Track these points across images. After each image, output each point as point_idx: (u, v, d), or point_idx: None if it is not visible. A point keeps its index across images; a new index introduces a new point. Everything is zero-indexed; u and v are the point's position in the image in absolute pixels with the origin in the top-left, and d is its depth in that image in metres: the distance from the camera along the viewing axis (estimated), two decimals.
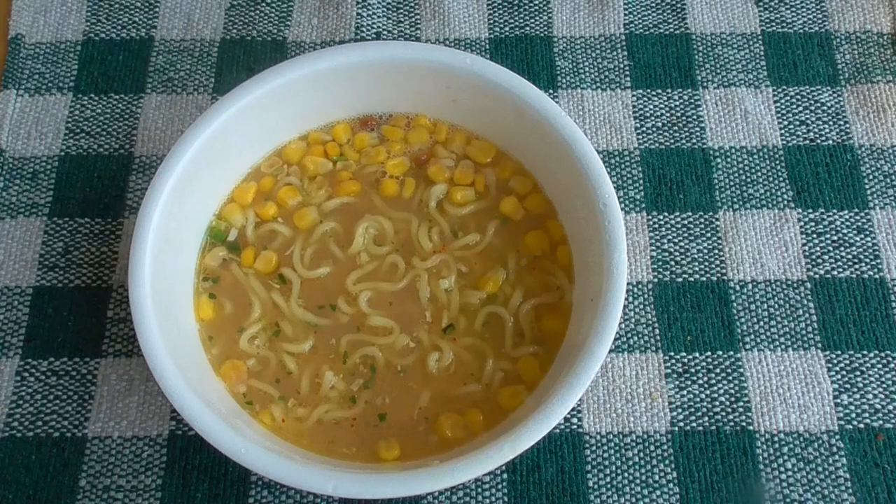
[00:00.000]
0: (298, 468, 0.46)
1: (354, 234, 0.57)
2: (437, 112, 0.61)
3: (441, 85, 0.58)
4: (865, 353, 0.58)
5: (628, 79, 0.68)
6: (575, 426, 0.56)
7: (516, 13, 0.71)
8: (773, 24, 0.70)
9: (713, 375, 0.57)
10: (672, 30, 0.70)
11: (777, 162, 0.64)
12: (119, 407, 0.57)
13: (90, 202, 0.63)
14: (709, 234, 0.62)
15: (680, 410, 0.56)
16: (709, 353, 0.58)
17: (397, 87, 0.59)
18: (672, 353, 0.58)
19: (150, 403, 0.57)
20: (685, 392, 0.57)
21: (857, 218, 0.62)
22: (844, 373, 0.57)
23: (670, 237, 0.62)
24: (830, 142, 0.65)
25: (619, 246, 0.51)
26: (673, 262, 0.61)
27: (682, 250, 0.61)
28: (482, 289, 0.56)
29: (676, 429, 0.56)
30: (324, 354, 0.55)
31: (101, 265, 0.61)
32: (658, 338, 0.59)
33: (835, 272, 0.61)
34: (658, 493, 0.54)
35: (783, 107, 0.66)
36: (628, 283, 0.60)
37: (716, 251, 0.61)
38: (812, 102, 0.67)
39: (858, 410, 0.56)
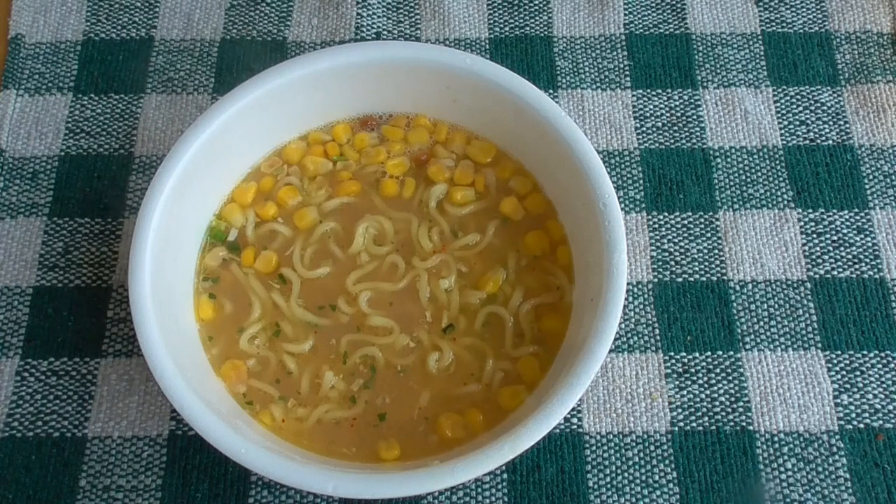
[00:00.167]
0: (298, 468, 0.46)
1: (354, 234, 0.57)
2: (437, 112, 0.61)
3: (441, 85, 0.58)
4: (865, 353, 0.58)
5: (628, 79, 0.68)
6: (575, 426, 0.56)
7: (516, 13, 0.71)
8: (773, 24, 0.70)
9: (713, 375, 0.57)
10: (672, 30, 0.70)
11: (777, 162, 0.64)
12: (119, 407, 0.57)
13: (90, 202, 0.63)
14: (709, 234, 0.62)
15: (680, 410, 0.56)
16: (709, 353, 0.58)
17: (397, 87, 0.59)
18: (672, 353, 0.58)
19: (150, 403, 0.57)
20: (685, 392, 0.57)
21: (857, 218, 0.62)
22: (844, 373, 0.57)
23: (670, 237, 0.62)
24: (830, 142, 0.65)
25: (619, 246, 0.51)
26: (673, 262, 0.61)
27: (682, 250, 0.61)
28: (482, 289, 0.56)
29: (676, 429, 0.56)
30: (324, 354, 0.55)
31: (101, 265, 0.61)
32: (658, 338, 0.59)
33: (835, 272, 0.61)
34: (658, 493, 0.54)
35: (783, 107, 0.66)
36: (628, 283, 0.60)
37: (716, 251, 0.61)
38: (812, 102, 0.67)
39: (858, 410, 0.56)
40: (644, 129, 0.66)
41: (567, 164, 0.54)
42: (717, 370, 0.58)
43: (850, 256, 0.61)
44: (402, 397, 0.53)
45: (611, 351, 0.58)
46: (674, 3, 0.71)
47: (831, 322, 0.59)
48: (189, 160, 0.53)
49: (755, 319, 0.59)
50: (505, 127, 0.59)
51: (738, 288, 0.60)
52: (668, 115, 0.66)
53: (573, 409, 0.56)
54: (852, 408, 0.56)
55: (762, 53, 0.69)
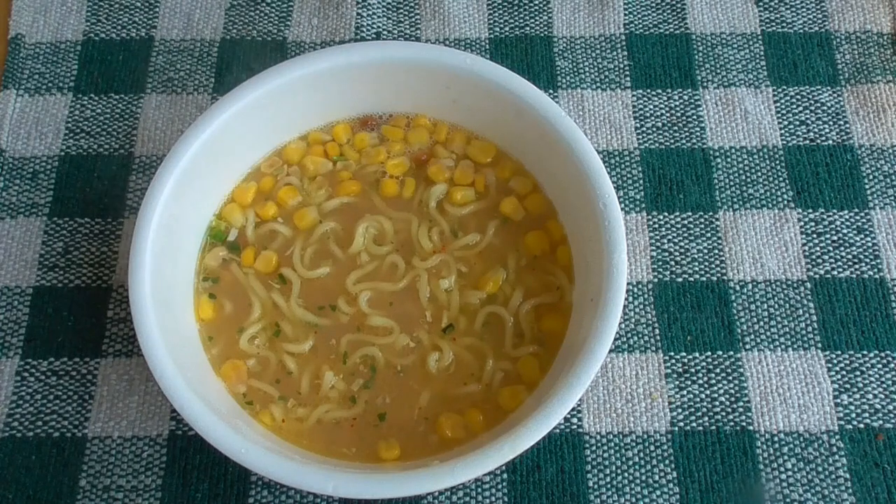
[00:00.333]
0: (298, 468, 0.46)
1: (354, 234, 0.57)
2: (437, 112, 0.61)
3: (441, 85, 0.58)
4: (865, 353, 0.58)
5: (628, 79, 0.68)
6: (575, 426, 0.56)
7: (516, 13, 0.71)
8: (773, 24, 0.70)
9: (713, 375, 0.57)
10: (672, 30, 0.70)
11: (777, 162, 0.64)
12: (119, 407, 0.57)
13: (90, 202, 0.63)
14: (709, 234, 0.62)
15: (680, 410, 0.56)
16: (709, 353, 0.58)
17: (397, 87, 0.59)
18: (672, 353, 0.58)
19: (150, 403, 0.57)
20: (685, 392, 0.57)
21: (857, 218, 0.62)
22: (844, 373, 0.57)
23: (670, 237, 0.62)
24: (830, 142, 0.65)
25: (619, 246, 0.51)
26: (673, 262, 0.61)
27: (682, 250, 0.61)
28: (482, 289, 0.56)
29: (676, 429, 0.56)
30: (324, 354, 0.55)
31: (101, 265, 0.61)
32: (658, 338, 0.59)
33: (835, 272, 0.61)
34: (658, 493, 0.54)
35: (783, 107, 0.66)
36: (628, 283, 0.60)
37: (716, 251, 0.61)
38: (812, 102, 0.67)
39: (858, 410, 0.56)
40: (644, 129, 0.66)
41: (567, 164, 0.54)
42: (717, 370, 0.58)
43: (850, 256, 0.61)
44: (402, 397, 0.53)
45: (611, 351, 0.58)
46: (674, 3, 0.71)
47: (831, 322, 0.59)
48: (189, 160, 0.53)
49: (755, 319, 0.59)
50: (505, 127, 0.59)
51: (738, 288, 0.60)
52: (668, 115, 0.66)
53: (573, 409, 0.56)
54: (852, 408, 0.56)
55: (762, 53, 0.69)
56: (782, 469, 0.55)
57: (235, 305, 0.56)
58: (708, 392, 0.57)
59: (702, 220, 0.62)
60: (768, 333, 0.59)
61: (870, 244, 0.62)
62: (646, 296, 0.60)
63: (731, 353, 0.58)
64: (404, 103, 0.61)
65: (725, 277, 0.60)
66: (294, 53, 0.69)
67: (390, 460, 0.51)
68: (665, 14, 0.70)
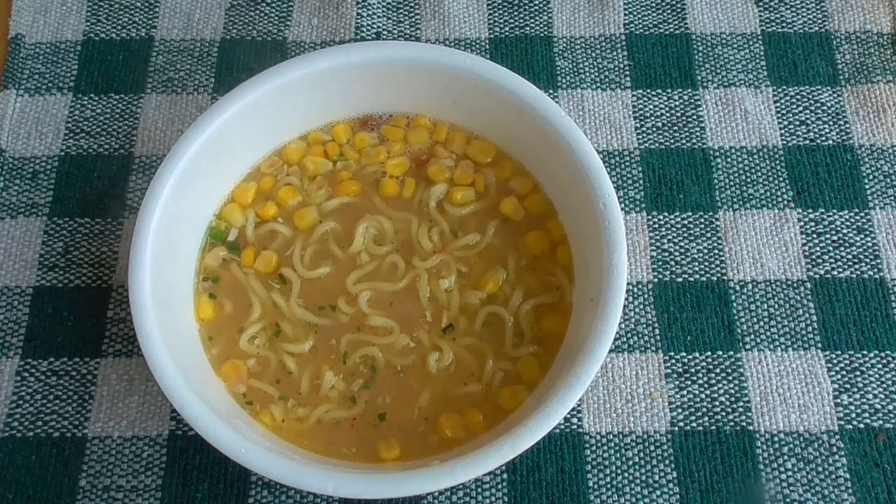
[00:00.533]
0: (298, 468, 0.46)
1: (354, 234, 0.57)
2: (437, 112, 0.61)
3: (441, 85, 0.58)
4: (865, 353, 0.58)
5: (628, 79, 0.68)
6: (575, 426, 0.56)
7: (516, 13, 0.71)
8: (773, 24, 0.70)
9: (713, 375, 0.57)
10: (672, 30, 0.70)
11: (777, 162, 0.64)
12: (119, 407, 0.57)
13: (90, 202, 0.63)
14: (709, 234, 0.62)
15: (680, 410, 0.56)
16: (709, 353, 0.58)
17: (397, 87, 0.59)
18: (672, 353, 0.58)
19: (150, 403, 0.57)
20: (685, 392, 0.57)
21: (857, 218, 0.62)
22: (844, 373, 0.57)
23: (670, 237, 0.62)
24: (830, 142, 0.65)
25: (619, 246, 0.51)
26: (673, 262, 0.61)
27: (682, 250, 0.61)
28: (482, 289, 0.56)
29: (676, 429, 0.56)
30: (324, 354, 0.55)
31: (101, 265, 0.61)
32: (658, 338, 0.59)
33: (835, 272, 0.61)
34: (658, 493, 0.54)
35: (783, 107, 0.66)
36: (628, 283, 0.60)
37: (716, 251, 0.61)
38: (812, 102, 0.67)
39: (858, 410, 0.56)
40: (644, 129, 0.66)
41: (567, 164, 0.54)
42: (717, 370, 0.58)
43: (850, 256, 0.61)
44: (402, 397, 0.53)
45: (611, 351, 0.58)
46: (674, 3, 0.71)
47: (831, 322, 0.59)
48: (189, 160, 0.53)
49: (755, 319, 0.59)
50: (505, 127, 0.59)
51: (738, 288, 0.60)
52: (668, 115, 0.66)
53: (573, 409, 0.56)
54: (852, 408, 0.56)
55: (762, 53, 0.69)
56: (782, 469, 0.55)
57: (235, 305, 0.56)
58: (708, 392, 0.57)
59: (702, 220, 0.62)
60: (768, 333, 0.59)
61: (870, 244, 0.62)
62: (646, 296, 0.60)
63: (731, 353, 0.58)
64: (404, 103, 0.61)
65: (725, 277, 0.60)
66: (294, 53, 0.69)
67: (390, 460, 0.51)
68: (665, 14, 0.70)
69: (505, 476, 0.55)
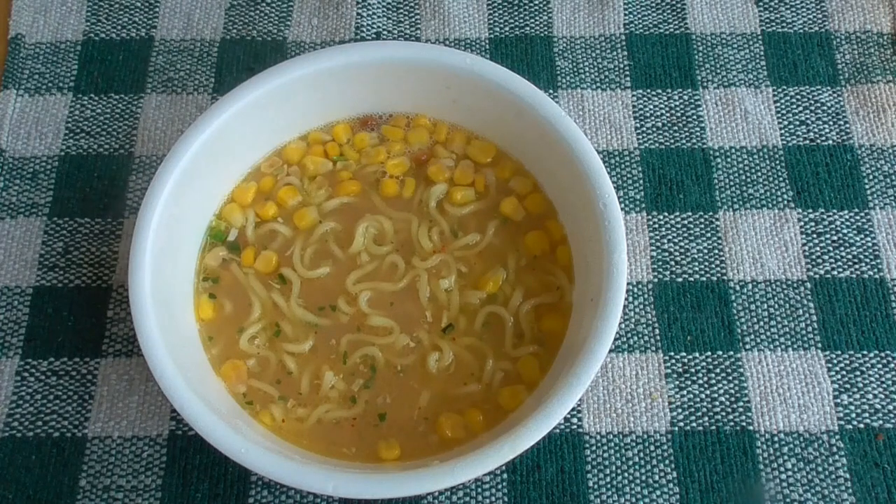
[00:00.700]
0: (298, 468, 0.46)
1: (354, 234, 0.57)
2: (437, 112, 0.61)
3: (441, 85, 0.58)
4: (865, 353, 0.58)
5: (628, 79, 0.68)
6: (575, 426, 0.56)
7: (516, 13, 0.71)
8: (773, 24, 0.70)
9: (713, 375, 0.57)
10: (672, 30, 0.70)
11: (777, 162, 0.64)
12: (119, 407, 0.57)
13: (90, 202, 0.63)
14: (709, 234, 0.62)
15: (680, 410, 0.56)
16: (709, 353, 0.58)
17: (397, 87, 0.59)
18: (672, 353, 0.58)
19: (150, 403, 0.57)
20: (685, 392, 0.57)
21: (857, 218, 0.62)
22: (844, 373, 0.57)
23: (670, 237, 0.62)
24: (830, 142, 0.65)
25: (619, 246, 0.51)
26: (673, 262, 0.61)
27: (682, 250, 0.61)
28: (482, 289, 0.56)
29: (676, 429, 0.56)
30: (324, 354, 0.55)
31: (101, 265, 0.61)
32: (658, 338, 0.59)
33: (835, 272, 0.61)
34: (658, 493, 0.54)
35: (783, 107, 0.66)
36: (628, 283, 0.60)
37: (716, 251, 0.61)
38: (812, 102, 0.67)
39: (858, 410, 0.56)
40: (644, 129, 0.66)
41: (567, 164, 0.54)
42: (717, 370, 0.58)
43: (850, 256, 0.61)
44: (402, 397, 0.53)
45: (611, 351, 0.58)
46: (674, 3, 0.71)
47: (831, 322, 0.59)
48: (189, 160, 0.53)
49: (755, 319, 0.59)
50: (505, 127, 0.59)
51: (738, 288, 0.60)
52: (668, 115, 0.66)
53: (573, 409, 0.56)
54: (852, 408, 0.56)
55: (762, 53, 0.69)
56: (782, 469, 0.55)
57: (235, 305, 0.56)
58: (708, 392, 0.57)
59: (702, 220, 0.62)
60: (768, 333, 0.59)
61: (870, 244, 0.62)
62: (646, 296, 0.60)
63: (731, 353, 0.58)
64: (404, 103, 0.61)
65: (725, 277, 0.60)
66: (294, 53, 0.69)
67: (390, 460, 0.51)
68: (665, 14, 0.70)
69: (505, 476, 0.55)
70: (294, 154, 0.60)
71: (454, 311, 0.55)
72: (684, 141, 0.65)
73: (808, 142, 0.65)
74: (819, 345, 0.58)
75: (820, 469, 0.55)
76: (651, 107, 0.67)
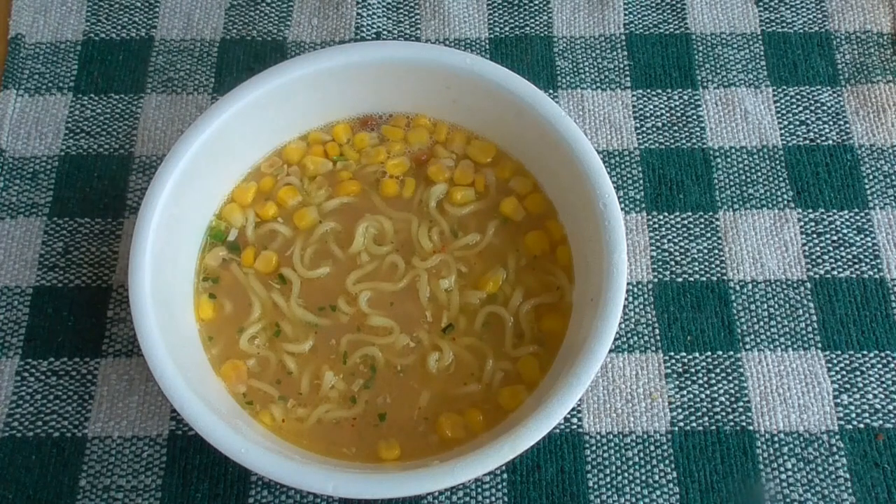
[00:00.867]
0: (298, 468, 0.46)
1: (354, 234, 0.57)
2: (437, 112, 0.61)
3: (441, 85, 0.58)
4: (865, 353, 0.58)
5: (628, 79, 0.68)
6: (575, 426, 0.56)
7: (516, 13, 0.71)
8: (773, 24, 0.70)
9: (713, 375, 0.57)
10: (672, 30, 0.70)
11: (777, 162, 0.64)
12: (119, 407, 0.57)
13: (90, 202, 0.63)
14: (709, 234, 0.62)
15: (680, 410, 0.56)
16: (709, 353, 0.58)
17: (397, 87, 0.59)
18: (672, 353, 0.58)
19: (150, 403, 0.57)
20: (685, 392, 0.57)
21: (857, 218, 0.62)
22: (844, 373, 0.57)
23: (670, 237, 0.62)
24: (830, 142, 0.65)
25: (619, 246, 0.51)
26: (673, 262, 0.61)
27: (682, 250, 0.61)
28: (482, 289, 0.56)
29: (676, 429, 0.56)
30: (324, 354, 0.55)
31: (101, 265, 0.61)
32: (658, 338, 0.59)
33: (835, 272, 0.61)
34: (658, 493, 0.54)
35: (783, 107, 0.66)
36: (628, 283, 0.60)
37: (716, 251, 0.61)
38: (812, 102, 0.67)
39: (858, 410, 0.56)
40: (644, 129, 0.66)
41: (567, 164, 0.54)
42: (717, 370, 0.58)
43: (850, 256, 0.61)
44: (402, 397, 0.53)
45: (611, 351, 0.58)
46: (674, 3, 0.71)
47: (831, 322, 0.59)
48: (189, 160, 0.53)
49: (755, 319, 0.59)
50: (505, 127, 0.59)
51: (738, 288, 0.60)
52: (668, 115, 0.66)
53: (573, 409, 0.56)
54: (852, 408, 0.56)
55: (762, 53, 0.69)
56: (782, 469, 0.55)
57: (235, 305, 0.56)
58: (708, 392, 0.57)
59: (702, 220, 0.62)
60: (768, 333, 0.59)
61: (870, 244, 0.62)
62: (646, 296, 0.60)
63: (731, 353, 0.58)
64: (404, 103, 0.61)
65: (725, 277, 0.60)
66: (294, 53, 0.69)
67: (390, 460, 0.51)
68: (665, 14, 0.70)
69: (505, 476, 0.55)
70: (294, 154, 0.60)
71: (454, 311, 0.55)
72: (684, 141, 0.65)
73: (808, 142, 0.65)
74: (819, 345, 0.58)
75: (820, 469, 0.55)
76: (651, 107, 0.67)
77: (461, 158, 0.60)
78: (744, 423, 0.56)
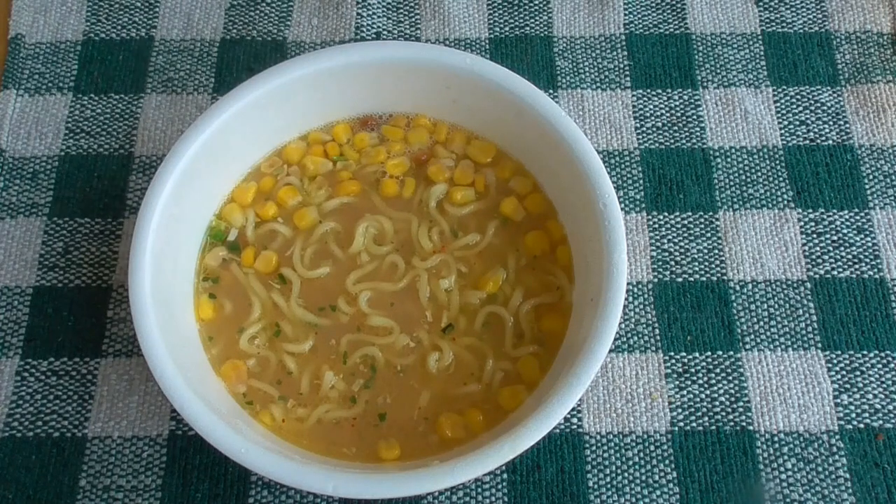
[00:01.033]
0: (298, 468, 0.46)
1: (354, 234, 0.57)
2: (437, 112, 0.61)
3: (441, 85, 0.58)
4: (865, 353, 0.58)
5: (628, 79, 0.68)
6: (575, 426, 0.56)
7: (516, 13, 0.71)
8: (773, 24, 0.70)
9: (713, 375, 0.57)
10: (672, 30, 0.70)
11: (777, 162, 0.64)
12: (119, 407, 0.57)
13: (90, 202, 0.63)
14: (709, 234, 0.62)
15: (680, 410, 0.56)
16: (709, 353, 0.58)
17: (397, 87, 0.59)
18: (672, 353, 0.58)
19: (150, 403, 0.57)
20: (685, 392, 0.57)
21: (857, 218, 0.62)
22: (844, 373, 0.57)
23: (670, 237, 0.62)
24: (830, 142, 0.65)
25: (619, 246, 0.51)
26: (673, 262, 0.61)
27: (682, 250, 0.61)
28: (482, 289, 0.56)
29: (676, 429, 0.56)
30: (324, 354, 0.55)
31: (101, 265, 0.61)
32: (658, 338, 0.59)
33: (835, 272, 0.61)
34: (658, 493, 0.54)
35: (783, 107, 0.66)
36: (628, 283, 0.60)
37: (716, 251, 0.61)
38: (812, 102, 0.67)
39: (858, 410, 0.56)
40: (644, 129, 0.66)
41: (567, 165, 0.54)
42: (717, 370, 0.58)
43: (850, 256, 0.61)
44: (402, 397, 0.53)
45: (611, 351, 0.58)
46: (674, 3, 0.71)
47: (831, 322, 0.59)
48: (189, 160, 0.53)
49: (755, 319, 0.59)
50: (505, 127, 0.59)
51: (738, 288, 0.60)
52: (668, 115, 0.66)
53: (573, 409, 0.56)
54: (852, 408, 0.56)
55: (762, 53, 0.69)
56: (782, 469, 0.55)
57: (235, 305, 0.56)
58: (708, 392, 0.57)
59: (702, 220, 0.62)
60: (768, 333, 0.59)
61: (870, 244, 0.62)
62: (646, 296, 0.60)
63: (731, 353, 0.58)
64: (404, 103, 0.61)
65: (725, 277, 0.60)
66: (294, 53, 0.69)
67: (390, 460, 0.51)
68: (665, 14, 0.70)
69: (505, 476, 0.55)
70: (294, 154, 0.60)
71: (454, 311, 0.55)
72: (684, 141, 0.65)
73: (808, 142, 0.65)
74: (819, 345, 0.58)
75: (820, 469, 0.55)
76: (651, 107, 0.67)
77: (461, 158, 0.60)
78: (744, 423, 0.56)
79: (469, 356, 0.54)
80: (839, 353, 0.58)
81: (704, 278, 0.60)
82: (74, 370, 0.58)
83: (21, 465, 0.55)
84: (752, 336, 0.59)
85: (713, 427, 0.56)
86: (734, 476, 0.55)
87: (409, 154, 0.60)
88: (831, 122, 0.66)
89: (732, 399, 0.57)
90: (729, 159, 0.64)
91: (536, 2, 0.71)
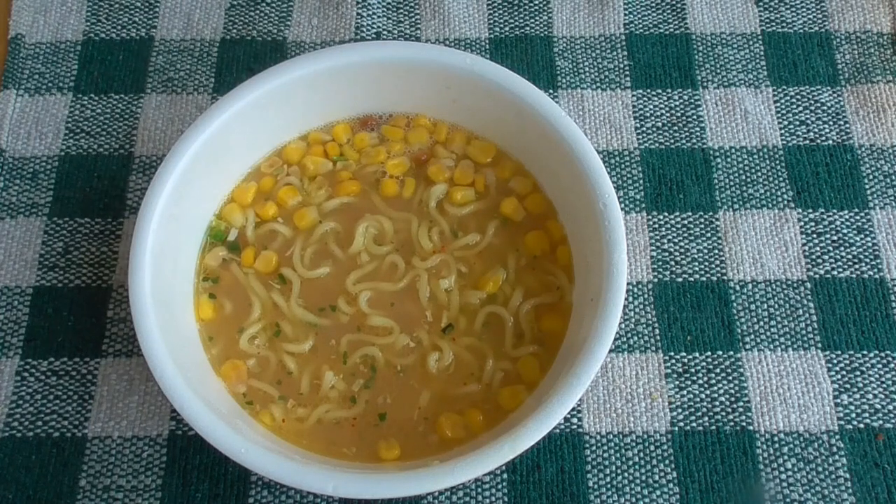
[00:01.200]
0: (298, 468, 0.46)
1: (354, 234, 0.57)
2: (437, 112, 0.61)
3: (441, 85, 0.58)
4: (865, 353, 0.58)
5: (628, 79, 0.68)
6: (575, 426, 0.56)
7: (516, 13, 0.71)
8: (773, 24, 0.70)
9: (713, 375, 0.57)
10: (672, 30, 0.70)
11: (777, 162, 0.64)
12: (119, 407, 0.57)
13: (90, 202, 0.63)
14: (709, 234, 0.62)
15: (680, 410, 0.56)
16: (709, 353, 0.58)
17: (397, 87, 0.59)
18: (672, 353, 0.58)
19: (150, 403, 0.57)
20: (685, 392, 0.57)
21: (857, 218, 0.62)
22: (844, 373, 0.57)
23: (670, 237, 0.62)
24: (830, 142, 0.65)
25: (619, 246, 0.51)
26: (673, 262, 0.61)
27: (682, 250, 0.61)
28: (482, 289, 0.56)
29: (676, 429, 0.56)
30: (324, 354, 0.55)
31: (101, 265, 0.61)
32: (658, 338, 0.59)
33: (835, 272, 0.61)
34: (658, 493, 0.54)
35: (783, 107, 0.66)
36: (628, 283, 0.60)
37: (716, 251, 0.61)
38: (812, 102, 0.67)
39: (858, 410, 0.56)
40: (644, 129, 0.66)
41: (567, 165, 0.54)
42: (717, 370, 0.58)
43: (850, 256, 0.61)
44: (402, 397, 0.53)
45: (611, 351, 0.58)
46: (674, 3, 0.71)
47: (831, 322, 0.59)
48: (189, 160, 0.53)
49: (755, 319, 0.59)
50: (505, 127, 0.59)
51: (738, 288, 0.60)
52: (668, 115, 0.66)
53: (573, 409, 0.56)
54: (852, 408, 0.56)
55: (762, 53, 0.69)
56: (782, 469, 0.55)
57: (235, 305, 0.56)
58: (708, 392, 0.57)
59: (702, 220, 0.62)
60: (768, 333, 0.59)
61: (870, 244, 0.62)
62: (646, 296, 0.60)
63: (731, 353, 0.58)
64: (404, 103, 0.61)
65: (725, 277, 0.60)
66: (294, 53, 0.69)
67: (390, 460, 0.51)
68: (665, 14, 0.70)
69: (505, 476, 0.55)
70: (294, 154, 0.60)
71: (454, 311, 0.55)
72: (684, 141, 0.65)
73: (808, 142, 0.65)
74: (819, 345, 0.58)
75: (820, 469, 0.55)
76: (651, 107, 0.67)
77: (461, 158, 0.60)
78: (744, 423, 0.56)
79: (469, 356, 0.54)
80: (839, 353, 0.58)
81: (704, 278, 0.60)
82: (74, 370, 0.58)
83: (21, 465, 0.55)
84: (752, 336, 0.59)
85: (713, 427, 0.56)
86: (734, 476, 0.55)
87: (409, 154, 0.60)
88: (831, 122, 0.66)
89: (732, 399, 0.57)
90: (729, 159, 0.64)
91: (536, 2, 0.71)
